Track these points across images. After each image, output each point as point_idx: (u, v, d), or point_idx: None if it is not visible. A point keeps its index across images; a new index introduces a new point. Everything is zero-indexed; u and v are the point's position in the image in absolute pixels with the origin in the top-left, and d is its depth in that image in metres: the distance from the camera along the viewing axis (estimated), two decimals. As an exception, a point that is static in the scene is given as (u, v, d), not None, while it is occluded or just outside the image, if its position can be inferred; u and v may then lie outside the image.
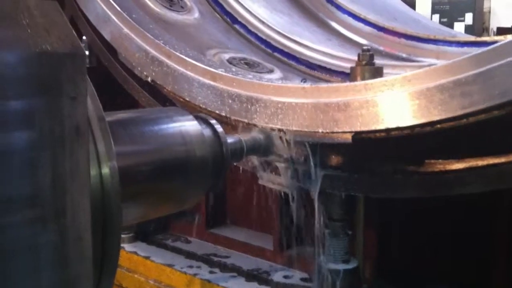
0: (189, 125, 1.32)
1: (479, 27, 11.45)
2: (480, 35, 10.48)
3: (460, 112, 1.21)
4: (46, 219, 0.78)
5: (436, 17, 11.11)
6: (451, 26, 10.42)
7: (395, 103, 1.33)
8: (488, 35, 11.33)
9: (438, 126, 1.28)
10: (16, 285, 0.76)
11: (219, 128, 1.40)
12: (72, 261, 0.82)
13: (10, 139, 0.74)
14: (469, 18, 11.20)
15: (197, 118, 1.37)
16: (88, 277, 0.86)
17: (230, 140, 1.44)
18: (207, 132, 1.36)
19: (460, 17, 11.20)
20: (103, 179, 0.94)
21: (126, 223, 2.26)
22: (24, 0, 0.80)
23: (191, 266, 2.33)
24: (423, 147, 1.42)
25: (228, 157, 1.39)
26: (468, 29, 10.73)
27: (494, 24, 11.75)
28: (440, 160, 1.42)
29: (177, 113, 1.34)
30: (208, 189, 1.38)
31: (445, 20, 11.00)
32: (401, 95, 1.32)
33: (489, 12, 12.00)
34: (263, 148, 1.63)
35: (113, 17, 2.13)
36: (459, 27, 10.89)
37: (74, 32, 0.85)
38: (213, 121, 1.41)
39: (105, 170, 0.94)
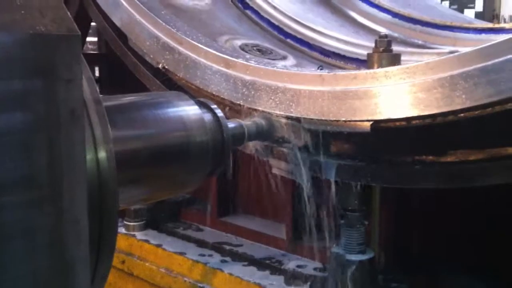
0: (189, 110, 1.30)
1: (489, 14, 11.31)
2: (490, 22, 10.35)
3: (485, 101, 1.18)
4: (43, 201, 0.77)
5: (446, 4, 10.97)
6: (461, 12, 10.28)
7: (416, 91, 1.29)
8: (499, 22, 11.18)
9: (462, 115, 1.25)
10: (11, 269, 0.75)
11: (219, 112, 1.38)
12: (68, 244, 0.81)
13: (4, 120, 0.74)
14: (479, 5, 11.07)
15: (197, 102, 1.35)
16: (84, 261, 0.85)
17: (231, 125, 1.42)
18: (207, 116, 1.34)
19: (470, 3, 11.07)
20: (100, 163, 0.93)
21: (125, 206, 2.24)
22: (19, -19, 0.78)
23: (202, 255, 2.31)
24: (445, 137, 1.38)
25: (229, 142, 1.37)
26: (478, 16, 10.59)
27: (504, 12, 11.60)
28: (460, 150, 1.38)
29: (177, 98, 1.32)
30: (208, 174, 1.36)
31: (455, 7, 10.85)
32: (423, 83, 1.28)
33: (500, -2, 11.83)
34: (266, 133, 1.60)
35: (124, 2, 2.09)
36: (469, 13, 10.75)
37: (69, 14, 0.83)
38: (213, 106, 1.39)
39: (102, 154, 0.93)
